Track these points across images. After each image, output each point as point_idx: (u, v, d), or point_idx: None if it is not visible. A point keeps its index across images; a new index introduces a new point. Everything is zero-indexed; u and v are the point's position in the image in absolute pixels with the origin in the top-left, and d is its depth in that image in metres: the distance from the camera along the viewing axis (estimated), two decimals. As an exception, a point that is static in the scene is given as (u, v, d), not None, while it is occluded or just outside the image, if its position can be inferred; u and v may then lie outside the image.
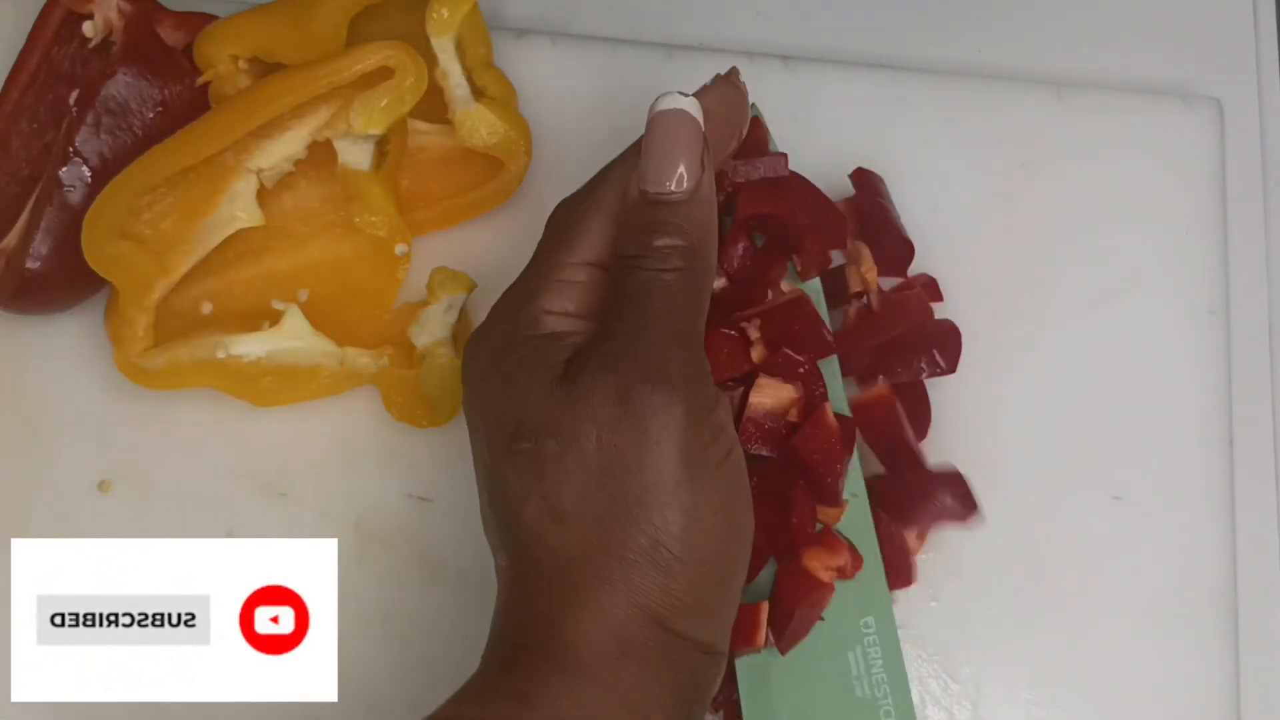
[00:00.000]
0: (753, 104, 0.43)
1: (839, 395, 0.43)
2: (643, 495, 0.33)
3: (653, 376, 0.33)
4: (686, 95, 0.37)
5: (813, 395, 0.41)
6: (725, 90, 0.40)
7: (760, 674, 0.41)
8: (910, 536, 0.45)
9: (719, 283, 0.43)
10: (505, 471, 0.34)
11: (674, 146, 0.36)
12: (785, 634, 0.40)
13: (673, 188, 0.36)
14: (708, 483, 0.33)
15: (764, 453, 0.41)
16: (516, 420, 0.34)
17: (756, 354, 0.42)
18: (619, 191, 0.37)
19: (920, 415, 0.46)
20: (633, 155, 0.37)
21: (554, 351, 0.35)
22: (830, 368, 0.43)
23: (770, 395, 0.41)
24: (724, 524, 0.34)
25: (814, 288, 0.44)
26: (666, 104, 0.37)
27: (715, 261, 0.37)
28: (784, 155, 0.43)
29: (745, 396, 0.42)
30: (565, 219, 0.37)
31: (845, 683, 0.41)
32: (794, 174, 0.44)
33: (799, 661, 0.41)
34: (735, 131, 0.41)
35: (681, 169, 0.36)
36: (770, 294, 0.43)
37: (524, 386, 0.34)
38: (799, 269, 0.44)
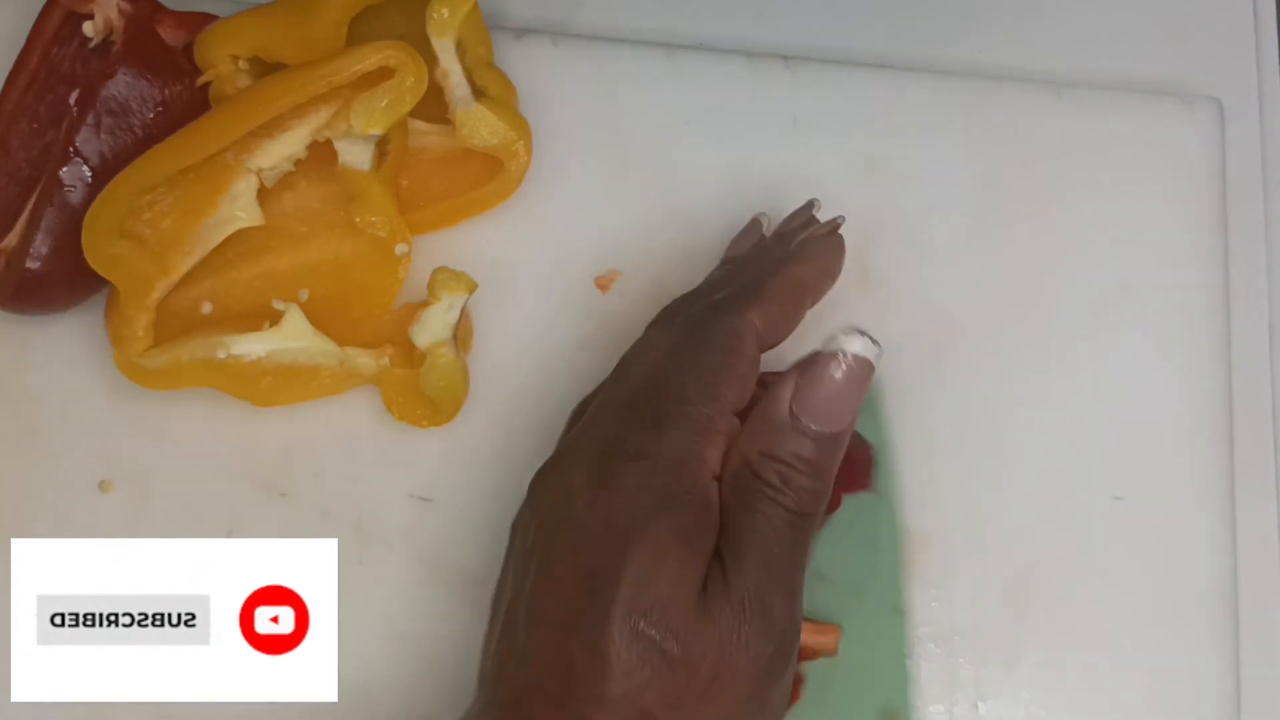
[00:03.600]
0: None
1: None
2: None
3: (775, 634, 0.34)
4: (874, 343, 0.36)
5: None
6: (832, 243, 0.42)
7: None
8: None
9: None
10: (611, 636, 0.33)
11: (852, 394, 0.36)
12: None
13: (836, 430, 0.36)
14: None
15: None
16: (646, 597, 0.33)
17: None
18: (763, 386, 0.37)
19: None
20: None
21: (705, 538, 0.34)
22: None
23: None
24: None
25: None
26: (858, 348, 0.36)
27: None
28: None
29: None
30: (700, 362, 0.36)
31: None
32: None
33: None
34: (832, 284, 0.42)
35: (849, 417, 0.36)
36: None
37: (666, 574, 0.33)
38: None
